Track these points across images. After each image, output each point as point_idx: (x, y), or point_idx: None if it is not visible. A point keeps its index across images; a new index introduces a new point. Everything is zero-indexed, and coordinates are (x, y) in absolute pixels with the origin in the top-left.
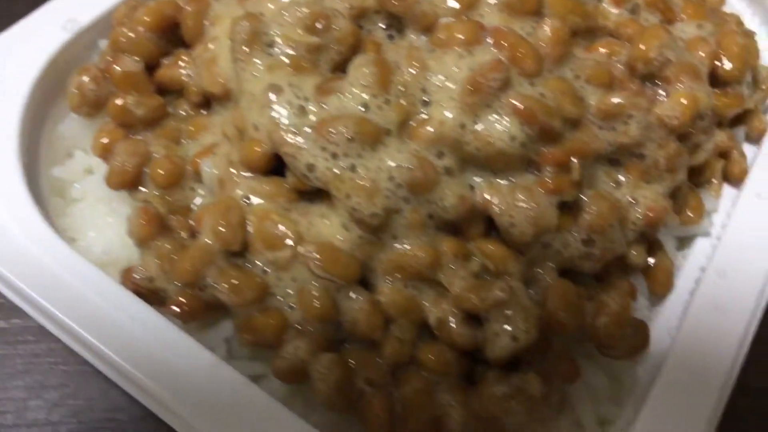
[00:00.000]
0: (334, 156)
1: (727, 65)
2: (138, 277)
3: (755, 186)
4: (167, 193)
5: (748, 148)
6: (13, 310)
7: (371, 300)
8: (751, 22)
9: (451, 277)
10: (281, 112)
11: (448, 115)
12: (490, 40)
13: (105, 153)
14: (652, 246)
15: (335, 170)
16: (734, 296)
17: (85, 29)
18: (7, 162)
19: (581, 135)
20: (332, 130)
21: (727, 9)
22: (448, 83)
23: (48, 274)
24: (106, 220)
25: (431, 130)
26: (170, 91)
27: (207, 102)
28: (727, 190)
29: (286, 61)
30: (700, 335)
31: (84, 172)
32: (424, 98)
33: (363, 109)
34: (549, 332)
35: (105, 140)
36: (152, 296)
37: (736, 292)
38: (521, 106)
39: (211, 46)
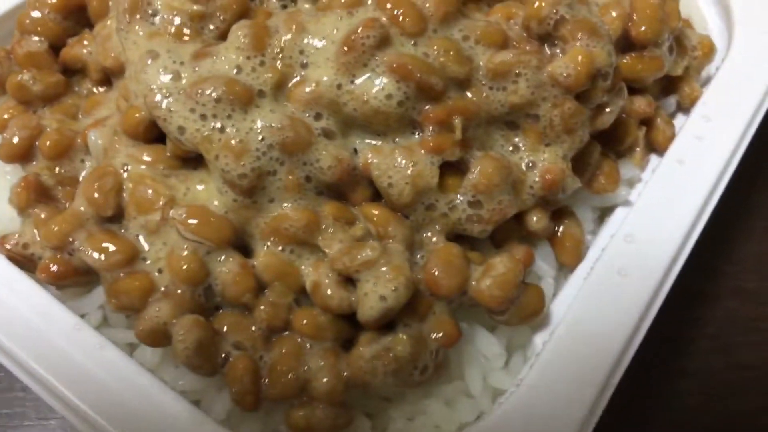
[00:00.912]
0: (203, 117)
1: (640, 27)
2: (12, 243)
3: (677, 152)
4: (56, 165)
5: (681, 118)
6: None
7: (242, 263)
8: None
9: (330, 241)
10: (155, 76)
11: (325, 75)
12: (371, 2)
13: (3, 128)
14: (562, 214)
15: (205, 132)
16: (640, 262)
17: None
18: None
19: (470, 95)
20: (200, 91)
21: None
22: (325, 44)
23: None
24: (1, 192)
25: (307, 90)
26: (76, 71)
27: (108, 79)
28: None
29: (171, 29)
30: (599, 301)
31: None
32: (303, 61)
33: (236, 71)
34: (429, 295)
35: (5, 116)
36: (27, 262)
37: (643, 257)
38: (397, 64)
39: (108, 22)
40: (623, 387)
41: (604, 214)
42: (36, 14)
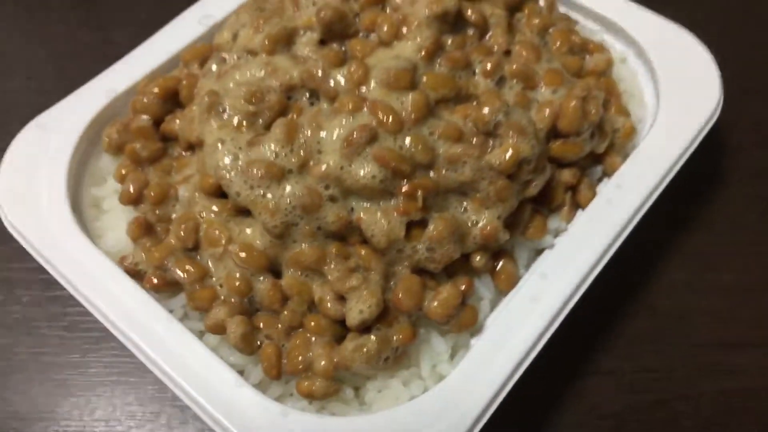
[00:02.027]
0: (251, 187)
1: (563, 122)
2: (128, 262)
3: (590, 211)
4: (156, 208)
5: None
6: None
7: (273, 282)
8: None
9: (331, 270)
10: (222, 157)
11: (332, 160)
12: (366, 109)
13: (122, 180)
14: (501, 255)
15: (252, 196)
16: (550, 291)
17: (120, 95)
18: (58, 183)
19: (433, 174)
20: (250, 170)
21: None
22: (334, 138)
23: (76, 262)
24: (120, 224)
25: (320, 170)
26: (170, 139)
27: (192, 147)
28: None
29: (233, 122)
30: (515, 318)
31: (113, 192)
32: (318, 149)
33: (273, 157)
34: (395, 310)
35: (123, 171)
36: (136, 274)
37: (552, 288)
38: (379, 155)
39: (193, 108)
40: (535, 380)
41: (540, 254)
42: (144, 99)
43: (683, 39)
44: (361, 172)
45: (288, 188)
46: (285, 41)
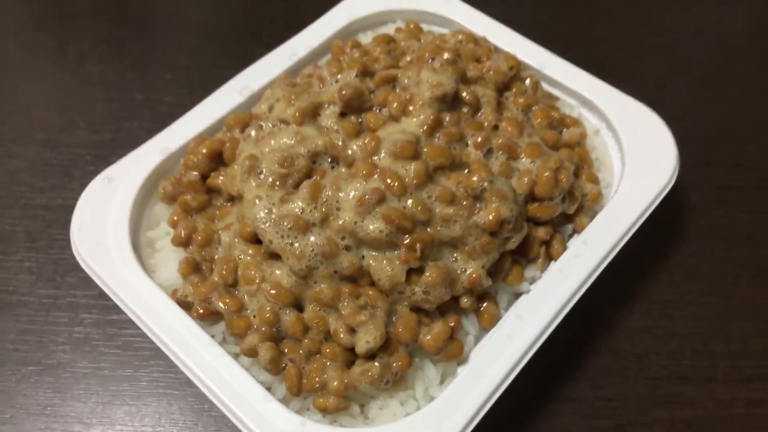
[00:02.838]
0: (282, 237)
1: (539, 189)
2: (179, 294)
3: (560, 263)
4: (202, 250)
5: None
6: (128, 322)
7: (297, 316)
8: (599, 126)
9: (344, 306)
10: (259, 211)
11: (348, 216)
12: (377, 176)
13: (174, 225)
14: (485, 297)
15: (282, 244)
16: (524, 330)
17: (173, 153)
18: (121, 225)
19: (429, 230)
20: (282, 223)
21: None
22: (350, 198)
23: (135, 292)
24: (171, 262)
25: (339, 224)
26: (214, 191)
27: (233, 199)
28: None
29: (268, 181)
30: (489, 352)
31: (165, 234)
32: (337, 206)
33: (300, 212)
34: (396, 341)
35: (175, 218)
36: (185, 305)
37: (525, 328)
38: (386, 215)
39: (235, 167)
40: (510, 403)
41: (518, 296)
42: (194, 158)
43: (645, 115)
44: (371, 227)
45: (312, 238)
46: (312, 114)
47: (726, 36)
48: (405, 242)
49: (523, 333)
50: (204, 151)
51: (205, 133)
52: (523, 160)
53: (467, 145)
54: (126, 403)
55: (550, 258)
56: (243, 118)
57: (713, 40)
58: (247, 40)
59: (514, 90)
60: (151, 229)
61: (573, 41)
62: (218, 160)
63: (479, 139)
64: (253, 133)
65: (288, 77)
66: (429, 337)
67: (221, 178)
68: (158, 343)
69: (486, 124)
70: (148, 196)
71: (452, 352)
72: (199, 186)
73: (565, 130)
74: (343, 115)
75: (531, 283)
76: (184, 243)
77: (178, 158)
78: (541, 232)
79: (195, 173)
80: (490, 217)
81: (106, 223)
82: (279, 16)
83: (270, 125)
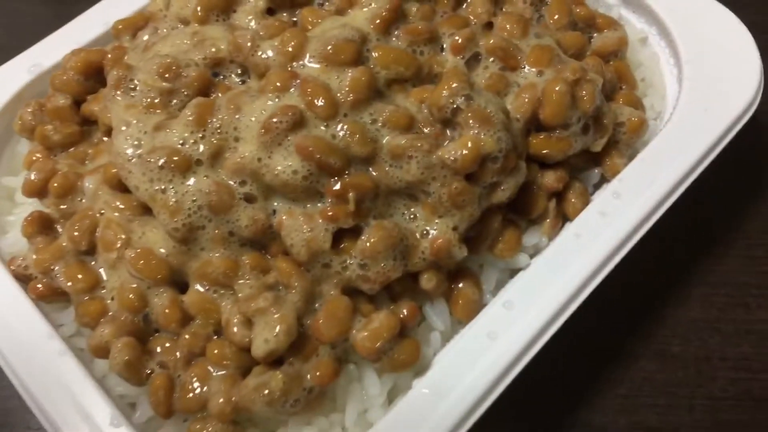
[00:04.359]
0: (151, 180)
1: (546, 111)
2: (17, 264)
3: (578, 226)
4: (60, 202)
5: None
6: None
7: (172, 298)
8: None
9: (243, 286)
10: (124, 143)
11: (249, 150)
12: (295, 89)
13: (29, 166)
14: (462, 275)
15: (150, 191)
16: (513, 326)
17: (45, 71)
18: None
19: (372, 171)
20: (150, 159)
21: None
22: (254, 123)
23: None
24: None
25: (234, 161)
26: (92, 122)
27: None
28: None
29: (142, 101)
30: (460, 357)
31: None
32: (235, 135)
33: (180, 143)
34: (315, 339)
35: (33, 158)
36: (26, 279)
37: (515, 322)
38: (301, 146)
39: None
40: None
41: (513, 275)
42: (63, 76)
43: (720, 17)
44: (280, 166)
45: (193, 182)
46: (223, 9)
47: None
48: (333, 189)
49: (512, 330)
50: (77, 64)
51: (94, 45)
52: (526, 70)
53: (442, 49)
54: None
55: (564, 218)
56: (135, 20)
57: None
58: None
59: None
60: (12, 174)
61: None
62: (99, 78)
63: (459, 40)
64: (146, 39)
65: None
66: (365, 334)
67: (99, 102)
68: None
69: (474, 20)
70: (10, 130)
71: (402, 358)
72: (69, 114)
73: (596, 35)
74: (271, 13)
75: (532, 256)
76: (37, 192)
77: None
78: (551, 179)
79: (64, 96)
80: (465, 151)
81: None
82: None
83: (167, 27)
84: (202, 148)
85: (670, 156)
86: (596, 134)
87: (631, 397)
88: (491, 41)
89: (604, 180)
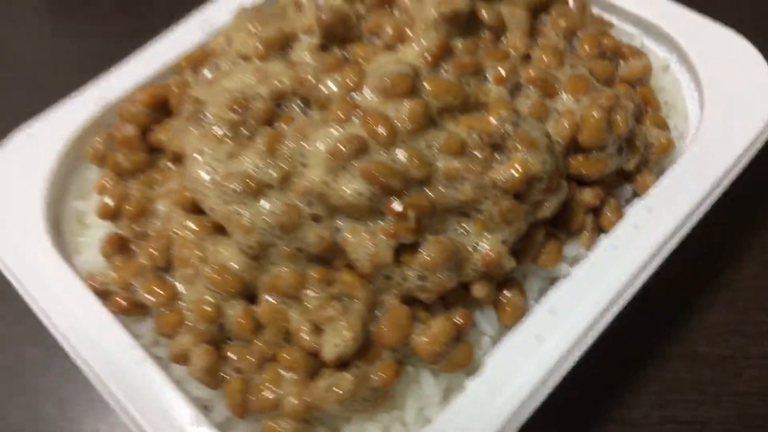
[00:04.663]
0: (227, 202)
1: (584, 135)
2: (96, 280)
3: (614, 238)
4: (134, 224)
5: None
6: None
7: (246, 310)
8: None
9: (310, 297)
10: (200, 169)
11: (316, 174)
12: (357, 118)
13: (101, 192)
14: (509, 284)
15: (226, 213)
16: (558, 329)
17: (112, 105)
18: (34, 196)
19: (429, 192)
20: (226, 184)
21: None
22: (320, 150)
23: (37, 276)
24: (99, 240)
25: (303, 185)
26: (158, 150)
27: (179, 158)
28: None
29: (214, 131)
30: (510, 358)
31: (97, 207)
32: (303, 162)
33: (253, 170)
34: (379, 345)
35: (104, 183)
36: (105, 295)
37: (560, 326)
38: (365, 170)
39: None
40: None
41: (554, 283)
42: (131, 108)
43: (734, 43)
44: (348, 189)
45: (266, 205)
46: (281, 46)
47: None
48: (394, 209)
49: (557, 333)
50: (144, 98)
51: (157, 80)
52: (564, 98)
53: (486, 79)
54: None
55: (600, 230)
56: (196, 56)
57: None
58: None
59: (553, 12)
60: (81, 199)
61: None
62: (163, 110)
63: (503, 72)
64: (208, 74)
65: (258, 7)
66: (425, 339)
67: (165, 132)
68: (62, 343)
69: (513, 53)
70: (79, 158)
71: (458, 360)
72: (137, 143)
73: (622, 63)
74: (324, 48)
75: (572, 265)
76: (112, 215)
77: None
78: (588, 196)
79: (132, 127)
80: (514, 173)
81: (19, 189)
82: None
83: (229, 63)
84: (272, 173)
85: (696, 172)
86: (629, 154)
87: (663, 394)
88: (531, 72)
89: (635, 195)
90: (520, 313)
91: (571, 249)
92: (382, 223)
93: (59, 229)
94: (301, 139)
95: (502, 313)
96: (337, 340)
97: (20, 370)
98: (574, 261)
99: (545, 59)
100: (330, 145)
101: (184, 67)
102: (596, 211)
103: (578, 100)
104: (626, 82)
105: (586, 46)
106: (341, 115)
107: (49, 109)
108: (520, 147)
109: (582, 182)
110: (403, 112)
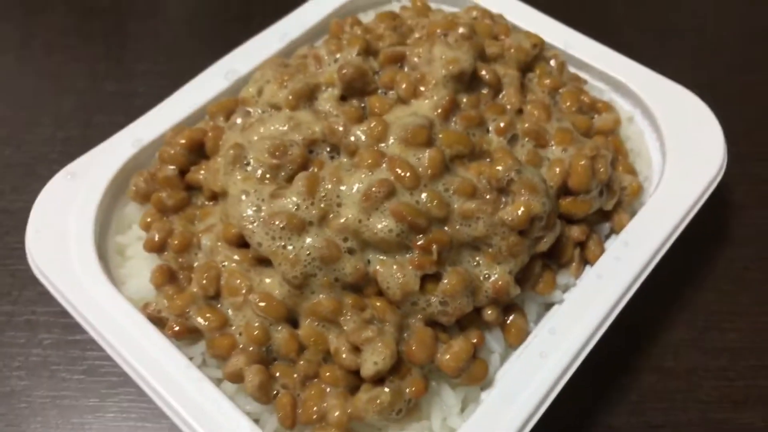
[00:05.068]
0: (273, 238)
1: (573, 181)
2: (151, 309)
3: (598, 268)
4: (179, 256)
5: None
6: (93, 342)
7: (291, 332)
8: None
9: (347, 321)
10: (246, 209)
11: (351, 213)
12: (385, 165)
13: (147, 228)
14: (511, 309)
15: (273, 247)
16: (559, 347)
17: (147, 145)
18: (85, 230)
19: (447, 229)
20: (273, 222)
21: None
22: (353, 192)
23: (99, 308)
24: (142, 272)
25: (339, 222)
26: (194, 188)
27: (215, 196)
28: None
29: (257, 173)
30: (520, 372)
31: (137, 239)
32: (338, 202)
33: (295, 209)
34: (408, 362)
35: (148, 219)
36: (159, 321)
37: (560, 344)
38: (396, 210)
39: (218, 159)
40: None
41: (549, 307)
42: (171, 150)
43: (688, 100)
44: (379, 226)
45: (308, 240)
46: (307, 97)
47: (762, 18)
48: (419, 243)
49: (558, 351)
50: (182, 141)
51: (185, 123)
52: (553, 148)
53: (488, 131)
54: None
55: (586, 262)
56: (228, 104)
57: (746, 23)
58: (233, 28)
59: (537, 71)
60: (121, 233)
61: (594, 23)
62: (199, 152)
63: (502, 124)
64: (239, 120)
65: (280, 59)
66: (448, 357)
67: (202, 172)
68: (125, 368)
69: (509, 107)
70: (117, 195)
71: (475, 374)
72: (177, 182)
73: (596, 116)
74: (343, 99)
75: (564, 292)
76: (158, 248)
77: (152, 152)
78: (576, 232)
79: (172, 167)
80: (519, 213)
81: (68, 226)
82: (270, 2)
83: (259, 111)
84: (312, 212)
85: (663, 211)
86: (608, 196)
87: (639, 403)
88: (526, 125)
89: (612, 231)
90: (524, 334)
91: (562, 278)
92: (408, 256)
93: (105, 263)
94: (337, 182)
95: (508, 334)
96: (376, 358)
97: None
98: (565, 288)
99: (536, 114)
100: (364, 187)
101: (216, 113)
102: (582, 245)
103: (565, 149)
104: (600, 133)
105: (568, 102)
106: (371, 162)
107: (91, 151)
108: (523, 191)
109: (570, 220)
110: (423, 159)
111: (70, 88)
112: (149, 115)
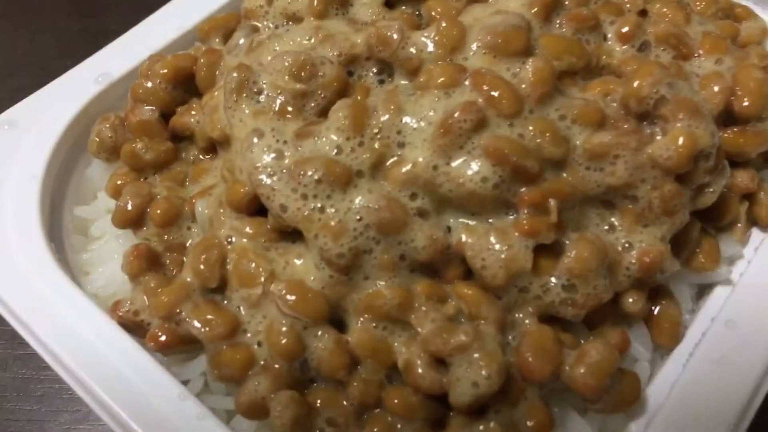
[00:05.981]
0: (304, 197)
1: (743, 101)
2: (124, 310)
3: None
4: (164, 232)
5: None
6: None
7: (337, 339)
8: None
9: (422, 319)
10: (260, 155)
11: (421, 156)
12: (468, 83)
13: (117, 194)
14: (659, 293)
15: (305, 211)
16: (743, 349)
17: (116, 82)
18: (28, 201)
19: (566, 176)
20: (302, 172)
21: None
22: (423, 125)
23: (48, 311)
24: (115, 257)
25: (404, 171)
26: (184, 138)
27: (213, 148)
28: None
29: (275, 107)
30: (699, 391)
31: (105, 212)
32: (400, 141)
33: (336, 152)
34: (523, 379)
35: (118, 182)
36: (136, 328)
37: (746, 344)
38: (493, 148)
39: (216, 94)
40: None
41: (702, 290)
42: (148, 84)
43: None
44: (467, 173)
45: (358, 199)
46: (339, 2)
47: None
48: (525, 198)
49: (745, 353)
50: (164, 71)
51: (168, 51)
52: (702, 59)
53: (605, 38)
54: None
55: (753, 222)
56: (226, 20)
57: None
58: None
59: None
60: (81, 203)
61: None
62: (187, 87)
63: (625, 29)
64: (242, 41)
65: None
66: (583, 371)
67: (193, 113)
68: (88, 400)
69: (629, 6)
70: (75, 150)
71: (623, 395)
72: (158, 128)
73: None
74: (388, 6)
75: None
76: (133, 222)
77: (124, 91)
78: (744, 179)
79: (150, 108)
80: (680, 146)
81: (4, 196)
82: None
83: (270, 25)
84: (363, 156)
85: None
86: None
87: None
88: (661, 27)
89: None
90: (680, 330)
91: (727, 247)
92: (511, 218)
93: (60, 245)
94: (396, 111)
95: (657, 330)
96: (475, 377)
97: None
98: (730, 261)
99: (670, 15)
100: (438, 117)
101: (210, 33)
102: (749, 198)
103: (720, 61)
104: (742, 46)
105: (702, 4)
106: (444, 81)
107: (37, 93)
108: (681, 115)
109: (732, 163)
110: (524, 74)
111: (23, 26)
112: (119, 42)
